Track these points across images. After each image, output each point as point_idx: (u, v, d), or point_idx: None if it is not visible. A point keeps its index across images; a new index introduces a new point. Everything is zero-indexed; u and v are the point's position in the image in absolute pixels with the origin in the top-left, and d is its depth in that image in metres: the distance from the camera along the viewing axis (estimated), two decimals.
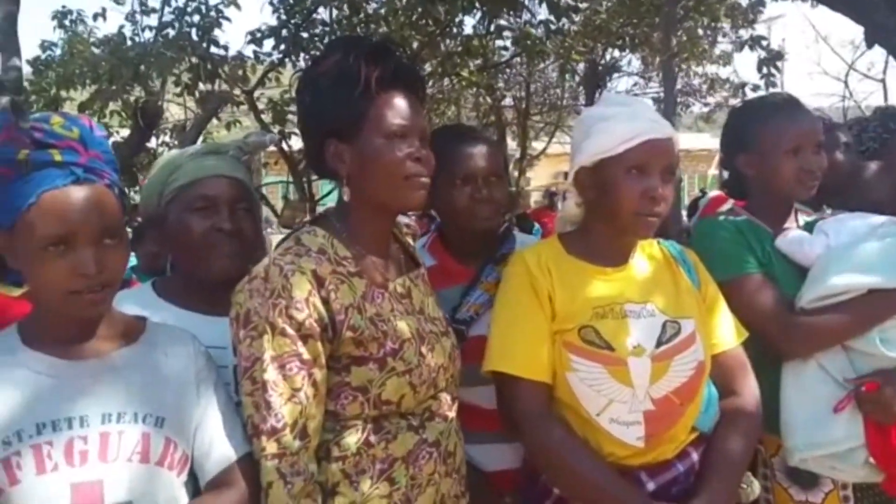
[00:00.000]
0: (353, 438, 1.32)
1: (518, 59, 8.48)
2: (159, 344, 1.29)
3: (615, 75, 11.51)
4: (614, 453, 1.45)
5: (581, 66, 9.63)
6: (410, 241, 1.61)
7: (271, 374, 1.24)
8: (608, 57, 10.49)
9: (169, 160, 1.57)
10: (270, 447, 1.22)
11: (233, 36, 6.04)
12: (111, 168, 1.22)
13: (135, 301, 1.45)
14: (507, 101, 11.80)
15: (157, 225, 1.55)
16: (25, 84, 5.72)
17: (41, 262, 1.13)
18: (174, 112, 7.48)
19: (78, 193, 1.15)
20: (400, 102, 1.37)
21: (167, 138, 8.24)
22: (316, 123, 1.39)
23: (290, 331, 1.25)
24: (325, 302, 1.29)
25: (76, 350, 1.21)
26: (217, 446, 1.26)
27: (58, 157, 1.15)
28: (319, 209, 6.96)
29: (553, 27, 5.71)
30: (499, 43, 6.83)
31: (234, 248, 1.49)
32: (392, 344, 1.33)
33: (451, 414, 1.46)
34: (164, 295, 1.53)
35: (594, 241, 1.58)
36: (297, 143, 6.06)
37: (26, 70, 6.63)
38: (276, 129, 6.64)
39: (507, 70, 9.65)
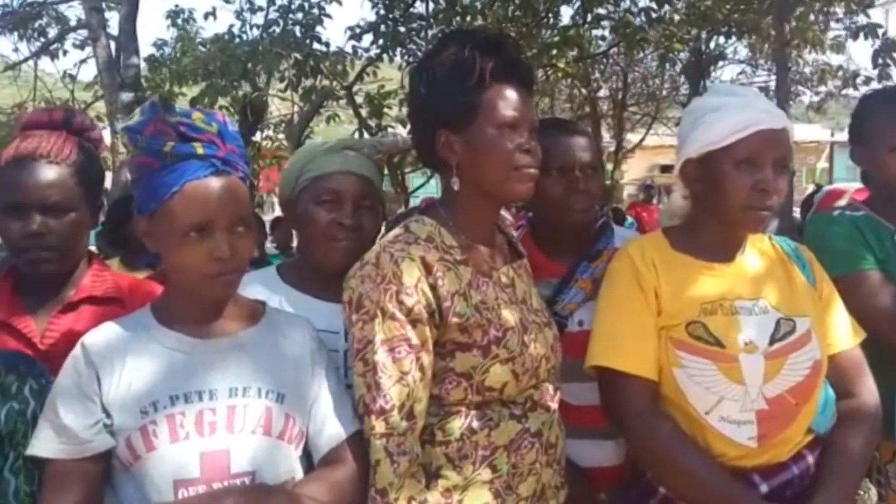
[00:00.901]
0: (456, 424, 1.35)
1: (615, 48, 8.31)
2: (278, 326, 1.36)
3: (720, 64, 11.04)
4: (725, 454, 1.41)
5: (682, 54, 9.30)
6: (510, 232, 1.62)
7: (381, 356, 1.28)
8: (713, 45, 10.07)
9: (307, 151, 1.66)
10: (379, 426, 1.27)
11: (333, 32, 6.21)
12: (243, 161, 1.29)
13: (260, 283, 1.55)
14: (603, 92, 11.57)
15: (289, 210, 1.65)
16: (141, 80, 6.07)
17: (181, 247, 1.21)
18: (277, 106, 7.77)
19: (216, 184, 1.22)
20: (512, 94, 1.38)
21: (271, 132, 8.59)
22: (429, 113, 1.42)
23: (399, 315, 1.29)
24: (433, 288, 1.32)
25: (206, 329, 1.29)
26: (329, 425, 1.32)
27: (200, 150, 1.22)
28: (413, 202, 7.08)
29: (655, 15, 5.57)
30: (596, 33, 6.72)
31: (352, 242, 1.54)
32: (496, 332, 1.35)
33: (553, 405, 1.46)
34: (286, 278, 1.62)
35: (701, 235, 1.54)
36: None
37: (142, 67, 7.03)
38: (373, 122, 6.81)
39: (604, 60, 9.46)
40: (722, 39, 9.68)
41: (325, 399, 1.34)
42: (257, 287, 1.48)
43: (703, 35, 9.01)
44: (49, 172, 1.43)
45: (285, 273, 1.64)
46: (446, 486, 1.33)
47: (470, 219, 1.43)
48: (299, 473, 1.29)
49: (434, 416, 1.35)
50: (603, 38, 7.05)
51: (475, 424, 1.35)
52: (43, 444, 1.19)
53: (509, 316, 1.38)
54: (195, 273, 1.23)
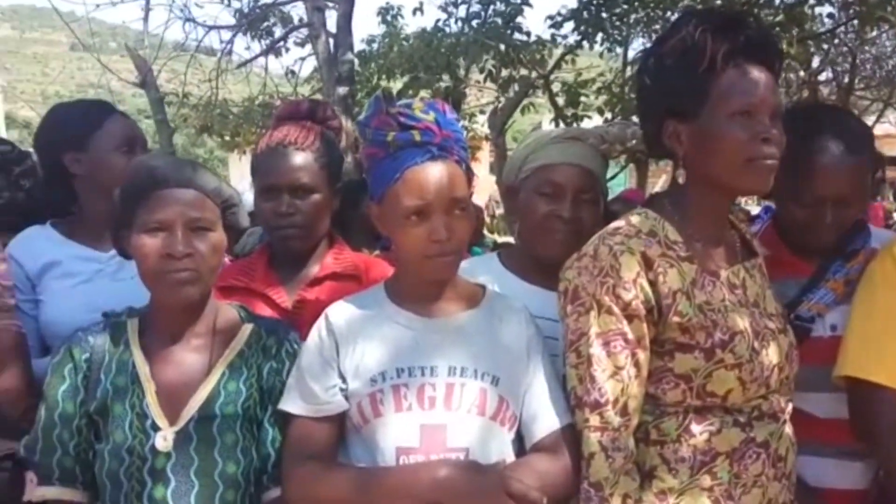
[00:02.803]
0: (673, 424, 1.31)
1: (843, 27, 7.48)
2: (496, 311, 1.40)
3: None
4: None
5: None
6: (745, 227, 1.52)
7: (596, 349, 1.27)
8: None
9: (532, 140, 1.69)
10: (593, 420, 1.26)
11: (531, 21, 6.20)
12: (460, 146, 1.34)
13: (481, 268, 1.60)
14: (824, 75, 10.48)
15: (511, 197, 1.69)
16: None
17: (404, 230, 1.29)
18: (476, 96, 7.94)
19: (433, 169, 1.28)
20: (749, 78, 1.29)
21: (466, 122, 8.80)
22: (656, 102, 1.38)
23: (616, 309, 1.27)
24: (653, 284, 1.29)
25: (429, 309, 1.36)
26: (543, 412, 1.33)
27: (417, 138, 1.28)
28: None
29: None
30: (821, 10, 6.10)
31: (570, 235, 1.54)
32: (721, 335, 1.28)
33: (784, 416, 1.36)
34: (507, 264, 1.66)
35: None
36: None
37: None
38: (569, 112, 6.73)
39: (831, 40, 8.56)
40: None
41: (539, 386, 1.35)
42: (478, 271, 1.54)
43: None
44: (297, 158, 1.62)
45: (506, 259, 1.68)
46: (661, 489, 1.30)
47: (697, 213, 1.37)
48: (510, 457, 1.32)
49: (649, 415, 1.32)
50: (830, 15, 6.38)
51: (694, 428, 1.30)
52: (290, 402, 1.34)
53: (738, 319, 1.30)
54: (416, 254, 1.29)
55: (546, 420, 1.32)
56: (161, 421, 1.30)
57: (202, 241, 1.33)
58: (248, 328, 1.43)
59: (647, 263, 1.29)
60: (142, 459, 1.29)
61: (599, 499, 1.23)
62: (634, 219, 1.37)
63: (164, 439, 1.29)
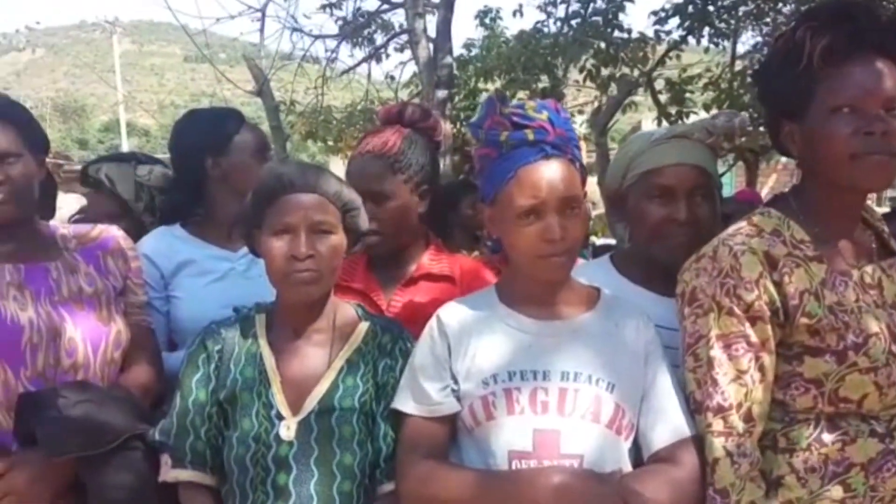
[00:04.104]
0: (803, 433, 1.25)
1: None
2: (613, 315, 1.37)
3: None
4: None
5: None
6: (882, 225, 1.43)
7: (716, 352, 1.24)
8: None
9: (634, 144, 1.63)
10: (716, 424, 1.22)
11: (633, 18, 6.07)
12: (573, 145, 1.33)
13: (594, 271, 1.57)
14: None
15: (618, 203, 1.63)
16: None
17: (517, 230, 1.28)
18: (574, 95, 7.84)
19: (546, 167, 1.27)
20: (853, 72, 1.23)
21: None
22: (769, 104, 1.36)
23: (737, 311, 1.23)
24: (778, 285, 1.24)
25: (543, 311, 1.35)
26: (664, 420, 1.29)
27: (531, 136, 1.28)
28: None
29: None
30: None
31: (688, 237, 1.49)
32: (854, 337, 1.22)
33: None
34: (621, 269, 1.62)
35: None
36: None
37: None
38: (672, 109, 6.54)
39: None
40: None
41: (659, 393, 1.31)
42: (591, 276, 1.49)
43: None
44: (371, 165, 1.65)
45: (620, 263, 1.64)
46: (788, 498, 1.25)
47: (822, 211, 1.31)
48: (627, 466, 1.28)
49: (777, 422, 1.27)
50: None
51: (826, 436, 1.24)
52: (403, 401, 1.36)
53: (873, 321, 1.23)
54: (529, 255, 1.28)
55: (666, 429, 1.28)
56: (285, 411, 1.36)
57: (323, 243, 1.38)
58: (364, 326, 1.47)
59: (771, 263, 1.24)
60: (266, 447, 1.35)
61: None
62: (757, 218, 1.32)
63: (287, 428, 1.35)
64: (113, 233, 1.69)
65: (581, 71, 6.40)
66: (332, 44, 7.35)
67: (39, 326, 1.48)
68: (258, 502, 1.33)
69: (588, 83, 6.62)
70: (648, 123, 8.57)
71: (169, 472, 1.38)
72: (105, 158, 2.36)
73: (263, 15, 6.81)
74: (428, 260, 1.74)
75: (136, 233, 1.95)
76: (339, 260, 1.43)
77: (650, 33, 6.20)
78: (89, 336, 1.53)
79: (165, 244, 1.90)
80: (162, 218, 2.03)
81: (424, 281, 1.72)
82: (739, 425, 1.21)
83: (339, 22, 7.35)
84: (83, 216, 2.34)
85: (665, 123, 6.23)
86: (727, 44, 6.78)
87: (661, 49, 6.59)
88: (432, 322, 1.39)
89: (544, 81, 6.75)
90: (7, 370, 1.44)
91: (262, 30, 6.87)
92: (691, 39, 6.18)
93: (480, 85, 8.06)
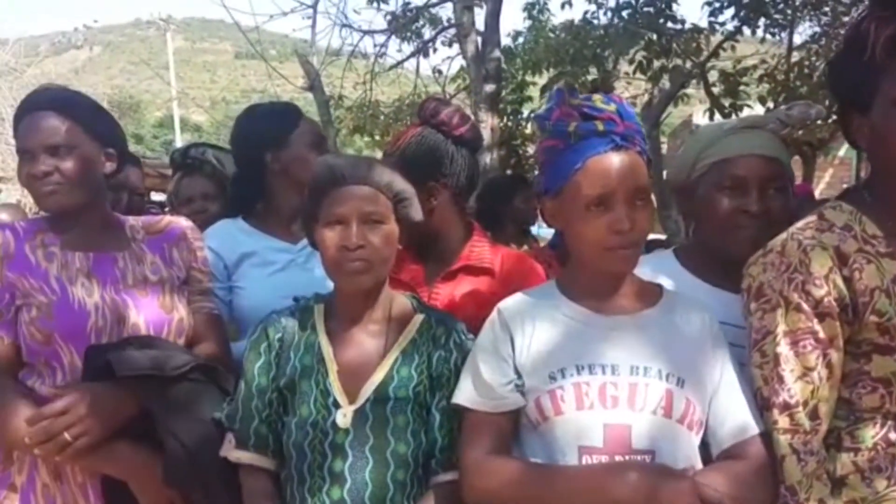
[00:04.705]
0: (869, 432, 1.22)
1: None
2: (677, 311, 1.34)
3: None
4: None
5: None
6: None
7: (783, 348, 1.21)
8: None
9: (704, 134, 1.60)
10: (783, 421, 1.20)
11: (685, 9, 5.94)
12: (640, 137, 1.31)
13: (657, 266, 1.52)
14: None
15: (685, 195, 1.60)
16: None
17: (584, 221, 1.27)
18: (625, 87, 7.72)
19: (616, 158, 1.25)
20: None
21: None
22: (838, 97, 1.32)
23: (805, 307, 1.21)
24: (847, 281, 1.21)
25: (604, 304, 1.33)
26: (733, 417, 1.26)
27: (600, 127, 1.27)
28: None
29: None
30: None
31: (760, 230, 1.44)
32: None
33: None
34: (685, 263, 1.58)
35: None
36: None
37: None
38: (726, 102, 6.39)
39: None
40: None
41: (726, 390, 1.29)
42: (654, 270, 1.47)
43: None
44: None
45: (684, 257, 1.60)
46: (852, 497, 1.22)
47: (894, 206, 1.27)
48: (698, 462, 1.26)
49: (842, 420, 1.24)
50: None
51: (893, 436, 1.21)
52: (465, 395, 1.35)
53: None
54: (595, 246, 1.27)
55: (736, 426, 1.26)
56: (342, 399, 1.39)
57: (375, 233, 1.40)
58: (419, 317, 1.49)
59: (842, 259, 1.22)
60: (324, 434, 1.37)
61: (795, 503, 1.18)
62: (827, 212, 1.29)
63: (343, 416, 1.37)
64: (181, 224, 1.75)
65: (631, 63, 6.30)
66: (380, 39, 7.40)
67: (105, 312, 1.53)
68: (315, 487, 1.36)
69: (638, 75, 6.52)
70: (699, 116, 8.40)
71: (232, 452, 1.43)
72: (204, 144, 2.64)
73: (315, 11, 6.89)
74: (468, 251, 1.75)
75: (225, 215, 2.05)
76: (392, 250, 1.45)
77: (704, 24, 6.07)
78: (152, 322, 1.58)
79: (229, 236, 1.95)
80: (230, 208, 2.09)
81: (463, 273, 1.73)
82: (806, 423, 1.19)
83: (388, 17, 7.38)
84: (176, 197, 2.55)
85: (718, 116, 6.09)
86: (783, 35, 6.58)
87: (714, 40, 6.44)
88: (493, 316, 1.38)
89: (593, 73, 6.67)
90: (73, 353, 1.50)
91: (313, 26, 6.95)
92: (746, 30, 6.01)
93: (528, 77, 8.01)
